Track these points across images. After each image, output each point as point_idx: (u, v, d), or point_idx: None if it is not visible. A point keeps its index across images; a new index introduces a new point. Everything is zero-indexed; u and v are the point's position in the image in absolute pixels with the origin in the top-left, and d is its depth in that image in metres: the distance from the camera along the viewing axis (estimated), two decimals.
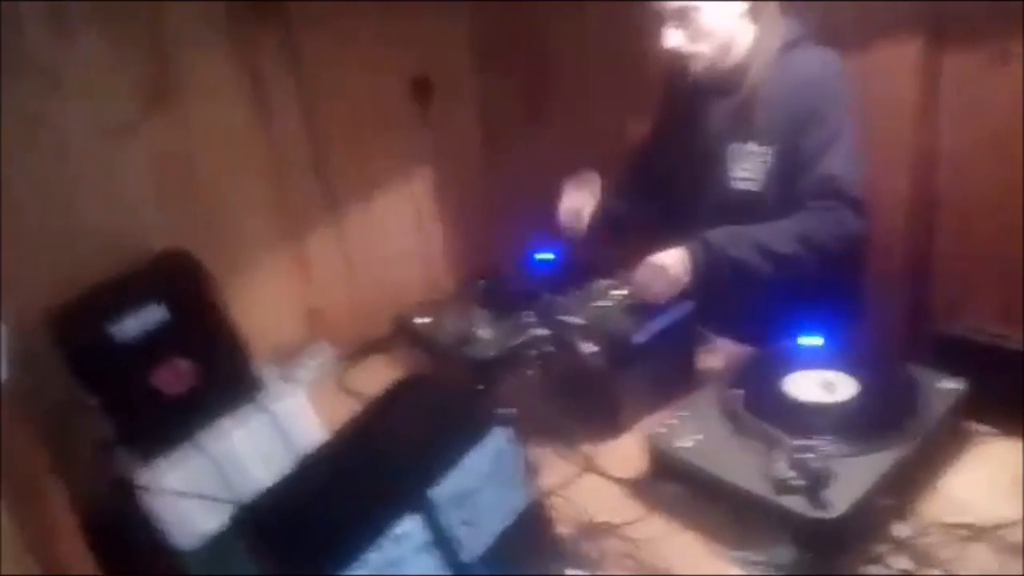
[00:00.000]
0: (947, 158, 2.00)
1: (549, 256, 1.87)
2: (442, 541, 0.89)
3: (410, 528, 0.86)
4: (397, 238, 2.07)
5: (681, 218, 1.79)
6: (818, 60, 1.60)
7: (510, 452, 0.97)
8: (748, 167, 1.65)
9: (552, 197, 1.90)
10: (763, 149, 1.62)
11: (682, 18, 1.58)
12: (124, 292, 1.41)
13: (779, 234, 1.55)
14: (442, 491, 0.89)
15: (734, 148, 1.66)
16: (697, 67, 1.64)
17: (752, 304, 1.60)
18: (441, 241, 2.14)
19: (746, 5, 1.59)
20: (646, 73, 2.24)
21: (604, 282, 1.66)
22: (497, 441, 0.95)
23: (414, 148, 2.05)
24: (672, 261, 1.53)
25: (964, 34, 1.87)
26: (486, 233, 2.20)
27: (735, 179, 1.66)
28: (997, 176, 1.92)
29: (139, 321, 1.37)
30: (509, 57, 2.14)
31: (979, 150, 1.94)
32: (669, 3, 1.57)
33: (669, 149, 1.83)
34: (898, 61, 1.94)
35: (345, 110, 1.89)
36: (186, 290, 1.44)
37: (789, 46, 1.61)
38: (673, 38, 1.60)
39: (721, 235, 1.56)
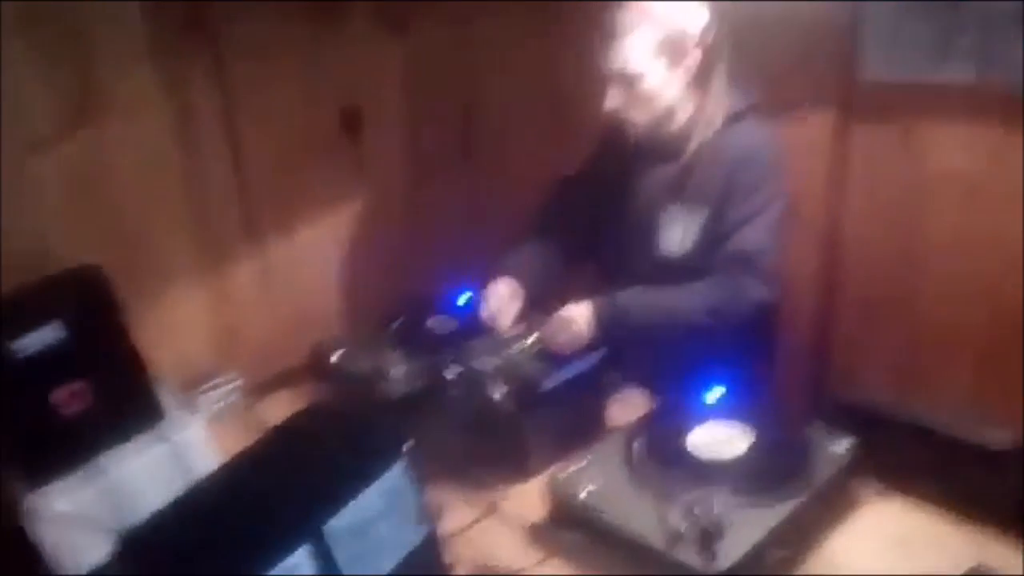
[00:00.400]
0: (853, 231, 2.10)
1: (466, 297, 1.89)
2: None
3: (300, 561, 0.86)
4: (319, 269, 2.06)
5: (606, 272, 1.83)
6: (758, 136, 1.64)
7: (407, 488, 0.98)
8: (677, 232, 1.67)
9: (476, 238, 1.93)
10: (692, 217, 1.65)
11: (625, 81, 1.59)
12: (27, 307, 1.37)
13: (685, 301, 1.59)
14: (335, 524, 0.89)
15: (665, 212, 1.68)
16: (637, 130, 1.66)
17: (660, 356, 1.64)
18: (363, 274, 2.13)
19: (692, 74, 1.60)
20: (573, 117, 2.31)
21: (517, 327, 1.69)
22: (394, 477, 0.96)
23: (341, 179, 2.04)
24: (578, 316, 1.57)
25: (873, 113, 1.98)
26: (409, 268, 2.21)
27: (663, 241, 1.68)
28: (898, 251, 2.03)
29: (40, 337, 1.33)
30: (440, 92, 2.17)
31: (883, 226, 2.04)
32: (615, 66, 1.58)
33: (598, 204, 1.82)
34: (811, 138, 2.04)
35: (273, 137, 1.88)
36: (90, 308, 1.40)
37: (732, 119, 1.63)
38: (615, 99, 1.61)
39: (629, 296, 1.59)
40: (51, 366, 1.35)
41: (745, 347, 1.73)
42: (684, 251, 1.67)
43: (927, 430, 1.94)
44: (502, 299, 1.70)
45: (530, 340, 1.62)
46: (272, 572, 0.83)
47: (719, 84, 1.63)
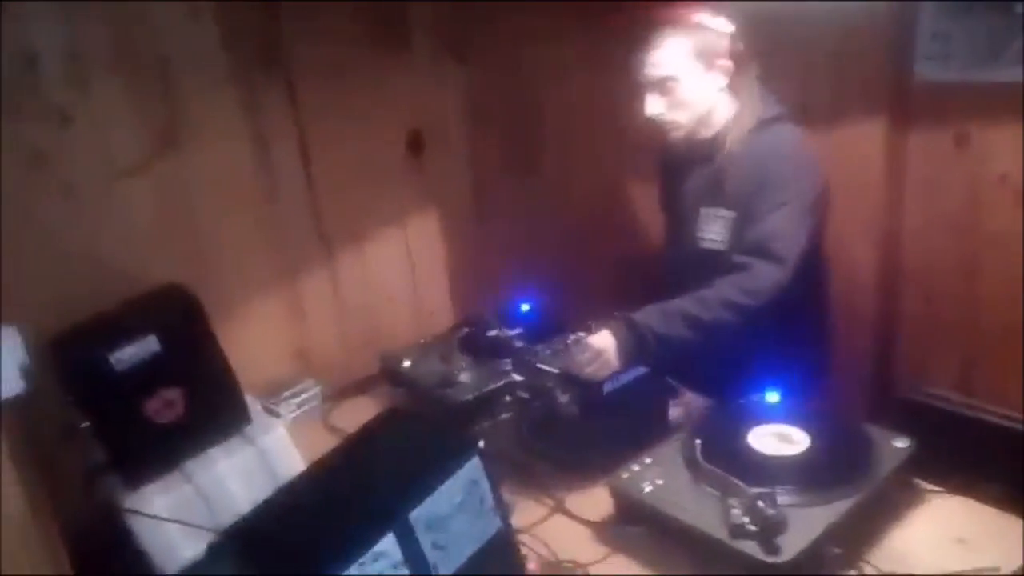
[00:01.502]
0: (911, 233, 2.11)
1: (528, 306, 1.96)
2: (416, 561, 0.96)
3: (387, 547, 0.93)
4: (387, 282, 2.15)
5: (664, 268, 1.90)
6: (785, 138, 1.70)
7: (481, 484, 1.05)
8: (716, 229, 1.73)
9: (537, 249, 1.99)
10: (729, 214, 1.71)
11: (662, 88, 1.68)
12: (123, 323, 1.48)
13: (702, 302, 1.59)
14: (418, 515, 0.96)
15: (705, 211, 1.75)
16: (675, 135, 1.74)
17: (718, 360, 1.67)
18: (429, 286, 2.23)
19: (725, 80, 1.69)
20: (626, 133, 2.37)
21: (579, 335, 1.74)
22: (471, 473, 1.03)
23: (407, 197, 2.14)
24: (601, 344, 1.57)
25: (927, 116, 1.99)
26: (473, 280, 2.30)
27: (704, 239, 1.75)
28: (957, 252, 2.03)
29: (136, 351, 1.43)
30: (500, 114, 2.25)
31: (941, 226, 2.05)
32: (651, 73, 1.67)
33: (663, 204, 1.95)
34: (865, 140, 2.06)
35: (342, 158, 1.98)
36: (181, 323, 1.51)
37: (765, 123, 1.69)
38: (653, 106, 1.70)
39: (646, 314, 1.61)
40: (146, 377, 1.45)
41: (803, 345, 1.76)
42: (724, 246, 1.72)
43: (989, 428, 1.96)
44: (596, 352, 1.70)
45: (556, 371, 1.62)
46: (364, 557, 0.91)
47: (749, 91, 1.71)
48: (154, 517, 1.43)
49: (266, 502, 1.04)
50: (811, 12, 1.94)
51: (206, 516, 1.47)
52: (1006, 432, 1.94)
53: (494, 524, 1.07)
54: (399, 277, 2.17)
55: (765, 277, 1.60)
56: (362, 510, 0.95)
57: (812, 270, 1.80)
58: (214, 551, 1.07)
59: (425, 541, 0.97)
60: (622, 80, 2.16)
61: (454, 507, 1.00)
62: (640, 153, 2.38)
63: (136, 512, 1.43)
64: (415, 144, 2.11)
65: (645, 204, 2.48)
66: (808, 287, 1.80)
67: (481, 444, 1.06)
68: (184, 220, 1.78)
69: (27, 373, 1.08)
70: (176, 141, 1.73)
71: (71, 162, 1.61)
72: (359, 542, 0.92)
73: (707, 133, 1.74)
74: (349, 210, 2.02)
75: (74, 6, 1.57)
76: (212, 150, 1.78)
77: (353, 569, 0.90)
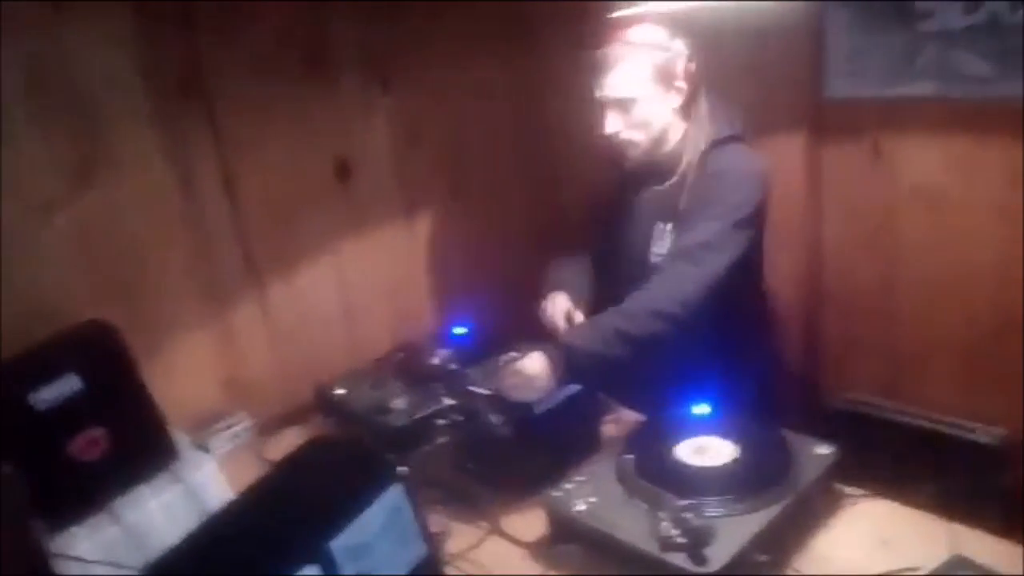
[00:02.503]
0: (831, 244, 2.18)
1: (463, 330, 1.97)
2: None
3: None
4: (320, 309, 2.13)
5: (613, 288, 1.89)
6: (735, 156, 1.74)
7: (405, 510, 1.05)
8: (663, 245, 1.77)
9: (468, 273, 2.00)
10: (675, 228, 1.75)
11: (621, 107, 1.71)
12: (43, 361, 1.43)
13: (630, 317, 1.59)
14: (340, 544, 0.96)
15: (657, 228, 1.79)
16: (632, 153, 1.77)
17: (648, 375, 1.70)
18: (363, 313, 2.21)
19: (679, 102, 1.73)
20: (558, 153, 2.41)
21: (512, 355, 1.75)
22: (392, 499, 1.03)
23: (337, 224, 2.13)
24: (533, 367, 1.56)
25: (842, 130, 2.06)
26: (407, 305, 2.30)
27: (654, 254, 1.78)
28: (875, 262, 2.11)
29: (56, 390, 1.40)
30: (428, 138, 2.27)
31: (859, 238, 2.12)
32: (610, 93, 1.71)
33: (609, 222, 1.96)
34: (785, 154, 2.13)
35: (269, 187, 1.97)
36: (103, 360, 1.47)
37: (717, 143, 1.74)
38: (612, 124, 1.73)
39: (578, 334, 1.63)
40: (68, 416, 1.42)
41: (728, 358, 1.80)
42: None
43: (910, 430, 2.02)
44: (559, 309, 1.81)
45: (488, 393, 1.62)
46: None
47: (702, 112, 1.76)
48: (80, 560, 1.40)
49: (187, 536, 1.03)
50: (728, 23, 1.99)
51: (136, 556, 1.44)
52: (927, 433, 2.01)
53: (420, 550, 1.07)
54: (332, 304, 2.16)
55: (683, 279, 1.61)
56: (283, 541, 0.94)
57: (750, 290, 1.85)
58: None
59: (348, 570, 0.96)
60: (550, 100, 2.22)
61: (376, 535, 1.00)
62: (572, 171, 2.45)
63: (62, 556, 1.40)
64: (342, 171, 2.10)
65: (576, 222, 2.52)
66: (747, 307, 1.86)
67: (403, 470, 1.06)
68: (106, 255, 1.74)
69: None
70: (95, 174, 1.70)
71: None
72: (281, 574, 0.91)
73: (661, 153, 1.77)
74: (278, 238, 2.01)
75: None
76: (133, 182, 1.75)
77: None
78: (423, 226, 2.32)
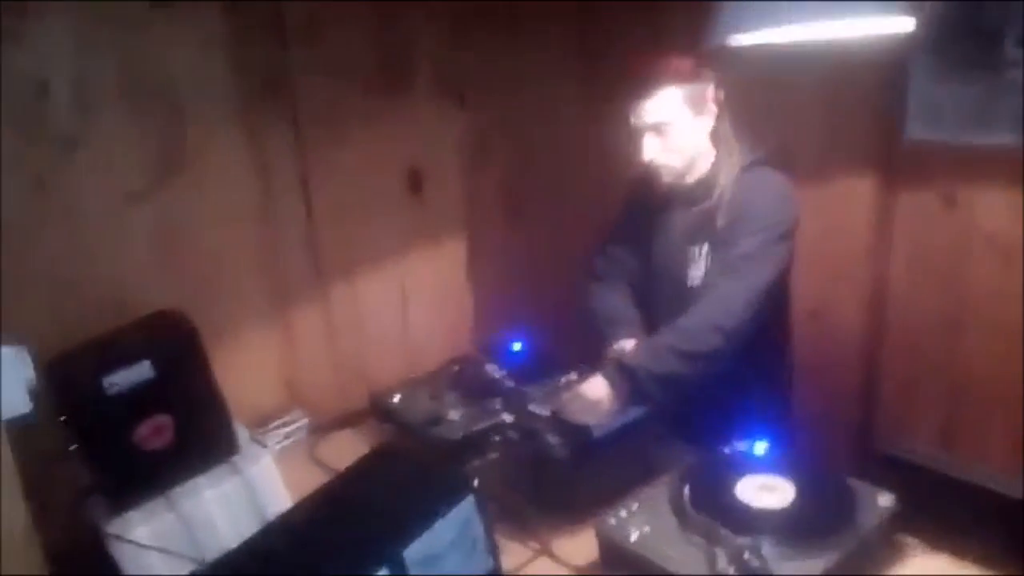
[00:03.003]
0: (897, 289, 2.15)
1: (519, 346, 1.98)
2: None
3: None
4: (380, 317, 2.16)
5: (646, 309, 1.93)
6: (768, 179, 1.76)
7: (475, 524, 1.05)
8: (699, 267, 1.79)
9: (529, 289, 2.00)
10: (711, 250, 1.77)
11: (659, 131, 1.74)
12: (118, 347, 1.48)
13: (685, 333, 1.65)
14: (412, 551, 0.96)
15: (692, 250, 1.80)
16: (667, 178, 1.80)
17: (705, 408, 1.69)
18: (422, 323, 2.24)
19: (710, 127, 1.77)
20: (617, 176, 2.41)
21: (571, 376, 1.76)
22: (464, 512, 1.04)
23: (403, 233, 2.16)
24: (594, 391, 1.62)
25: (915, 175, 2.04)
26: (465, 318, 2.32)
27: (691, 277, 1.80)
28: (942, 310, 2.07)
29: (129, 375, 1.43)
30: (497, 155, 2.29)
31: (927, 284, 2.09)
32: (647, 118, 1.74)
33: (636, 246, 1.97)
34: (854, 197, 2.11)
35: (342, 192, 2.01)
36: (176, 350, 1.50)
37: (747, 167, 1.77)
38: (649, 150, 1.76)
39: (636, 355, 1.66)
40: (138, 402, 1.45)
41: (789, 398, 1.79)
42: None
43: (969, 485, 1.97)
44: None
45: (548, 413, 1.63)
46: None
47: (730, 138, 1.79)
48: (136, 544, 1.43)
49: (258, 534, 1.04)
50: (806, 66, 1.98)
51: (188, 545, 1.47)
52: (987, 494, 1.96)
53: (486, 565, 1.08)
54: (392, 312, 2.18)
55: (732, 294, 1.66)
56: (356, 545, 0.95)
57: (779, 313, 1.86)
58: None
59: None
60: (613, 125, 2.22)
61: (447, 546, 1.00)
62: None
63: (119, 538, 1.43)
64: (414, 182, 2.14)
65: None
66: (776, 332, 1.87)
67: (476, 483, 1.07)
68: (183, 247, 1.79)
69: (33, 393, 1.09)
70: (179, 169, 1.75)
71: (75, 187, 1.63)
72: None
73: (694, 177, 1.81)
74: (346, 243, 2.04)
75: (86, 34, 1.59)
76: (214, 179, 1.80)
77: None
78: (485, 242, 2.34)
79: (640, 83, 1.75)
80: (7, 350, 1.06)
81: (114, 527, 1.44)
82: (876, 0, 1.40)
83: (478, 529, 1.06)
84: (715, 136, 1.79)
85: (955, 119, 1.95)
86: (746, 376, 1.74)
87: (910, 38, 1.78)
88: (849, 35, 1.48)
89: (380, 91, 2.03)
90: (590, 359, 1.77)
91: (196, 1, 1.72)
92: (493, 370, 1.91)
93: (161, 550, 1.43)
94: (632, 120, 1.76)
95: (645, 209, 1.93)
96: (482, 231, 2.32)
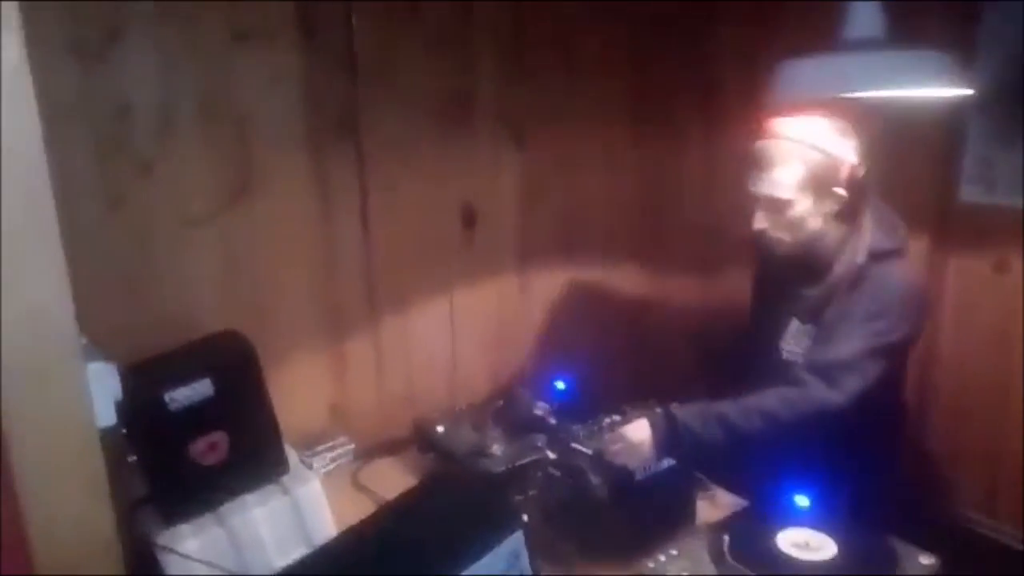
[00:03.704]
0: (946, 352, 2.14)
1: (563, 385, 2.00)
2: None
3: None
4: (428, 348, 2.20)
5: (737, 367, 1.90)
6: (897, 275, 1.67)
7: (523, 558, 1.08)
8: (795, 341, 1.75)
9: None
10: (813, 331, 1.72)
11: (772, 207, 1.67)
12: (181, 364, 1.54)
13: (743, 411, 1.56)
14: None
15: (793, 324, 1.76)
16: (780, 251, 1.72)
17: (749, 461, 1.69)
18: (468, 356, 2.27)
19: (836, 209, 1.66)
20: (664, 230, 2.44)
21: (615, 418, 1.77)
22: (512, 545, 1.06)
23: (456, 268, 2.21)
24: (638, 434, 1.57)
25: (968, 238, 2.04)
26: (511, 354, 2.35)
27: (785, 350, 1.77)
28: (991, 375, 2.06)
29: (190, 392, 1.48)
30: (551, 196, 2.34)
31: (976, 349, 2.08)
32: (761, 189, 1.66)
33: (754, 308, 1.94)
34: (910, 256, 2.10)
35: (399, 226, 2.06)
36: (236, 369, 1.55)
37: (876, 256, 1.65)
38: (760, 221, 1.69)
39: (686, 412, 1.59)
40: (196, 418, 1.50)
41: (834, 454, 1.78)
42: (798, 360, 1.72)
43: (1011, 551, 1.95)
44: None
45: (591, 452, 1.62)
46: None
47: (865, 220, 1.68)
48: (184, 556, 1.47)
49: (307, 558, 1.08)
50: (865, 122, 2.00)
51: (234, 561, 1.50)
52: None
53: None
54: (439, 345, 2.23)
55: (815, 399, 1.58)
56: (405, 572, 0.98)
57: (879, 401, 1.74)
58: None
59: None
60: (672, 180, 2.26)
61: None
62: (684, 252, 2.48)
63: (168, 549, 1.47)
64: (468, 219, 2.19)
65: (689, 299, 2.54)
66: (872, 413, 1.74)
67: (525, 518, 1.09)
68: (245, 270, 1.85)
69: (118, 407, 1.14)
70: (246, 196, 1.81)
71: (148, 208, 1.70)
72: None
73: (813, 256, 1.71)
74: (399, 275, 2.09)
75: (169, 61, 1.67)
76: (279, 207, 1.86)
77: None
78: (535, 282, 2.38)
79: (760, 148, 1.65)
80: (99, 365, 1.11)
81: (164, 538, 1.48)
82: (934, 60, 1.41)
83: (525, 563, 1.08)
84: (846, 216, 1.67)
85: (1011, 181, 1.96)
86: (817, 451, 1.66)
87: (965, 103, 1.80)
88: (905, 95, 1.49)
89: (441, 128, 2.08)
90: (636, 402, 1.79)
91: (274, 38, 1.79)
92: (538, 406, 1.93)
93: (208, 564, 1.47)
94: (749, 185, 1.68)
95: (765, 274, 1.88)
96: (533, 271, 2.36)
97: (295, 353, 1.96)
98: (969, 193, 2.03)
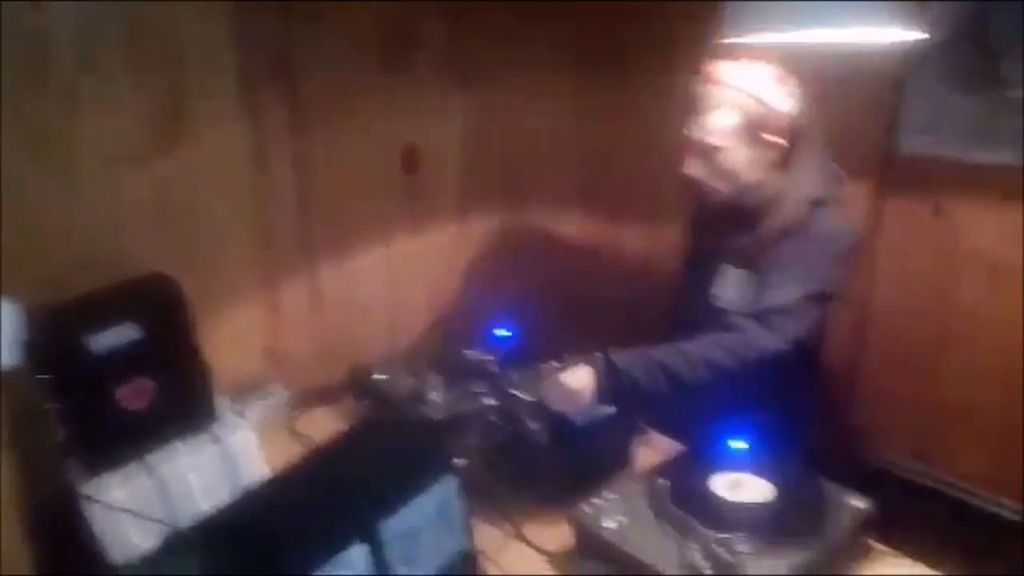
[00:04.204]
0: (882, 298, 2.17)
1: (505, 332, 1.98)
2: (382, 572, 0.96)
3: (355, 556, 0.93)
4: (365, 295, 2.16)
5: (678, 315, 1.89)
6: (835, 224, 1.66)
7: (454, 502, 1.06)
8: (729, 289, 1.73)
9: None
10: (747, 277, 1.70)
11: (704, 153, 1.65)
12: (104, 307, 1.46)
13: (685, 358, 1.56)
14: (390, 526, 0.97)
15: (728, 271, 1.73)
16: (714, 198, 1.71)
17: (687, 405, 1.70)
18: (407, 303, 2.24)
19: (773, 157, 1.64)
20: (614, 176, 2.42)
21: (554, 365, 1.76)
22: (445, 490, 1.04)
23: (395, 213, 2.16)
24: (578, 380, 1.56)
25: (908, 185, 2.05)
26: (452, 301, 2.31)
27: (714, 294, 1.75)
28: (926, 321, 2.09)
29: (114, 336, 1.42)
30: (497, 141, 2.29)
31: (912, 295, 2.11)
32: (695, 135, 1.64)
33: (687, 255, 1.92)
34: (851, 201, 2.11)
35: (337, 169, 2.00)
36: (163, 313, 1.50)
37: (816, 203, 1.64)
38: (693, 168, 1.67)
39: (627, 360, 1.58)
40: (121, 363, 1.44)
41: (771, 401, 1.80)
42: (734, 307, 1.71)
43: (942, 496, 2.01)
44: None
45: (530, 399, 1.62)
46: (329, 563, 0.91)
47: (802, 167, 1.66)
48: (109, 506, 1.42)
49: (233, 503, 1.04)
50: (807, 68, 1.97)
51: (163, 510, 1.46)
52: (954, 503, 1.99)
53: (461, 544, 1.08)
54: (378, 291, 2.18)
55: (755, 344, 1.58)
56: (333, 515, 0.95)
57: (813, 352, 1.81)
58: (172, 544, 1.07)
59: (393, 554, 0.97)
60: (623, 124, 2.23)
61: (426, 522, 1.01)
62: (633, 198, 2.46)
63: (93, 499, 1.42)
64: (410, 163, 2.13)
65: (637, 247, 2.53)
66: (805, 367, 1.81)
67: (458, 463, 1.07)
68: (174, 212, 1.77)
69: (22, 347, 1.08)
70: (177, 136, 1.73)
71: (72, 145, 1.61)
72: (326, 547, 0.92)
73: (750, 202, 1.68)
74: (337, 220, 2.04)
75: None
76: (211, 148, 1.78)
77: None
78: (478, 227, 2.34)
79: (695, 91, 1.63)
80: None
81: (89, 488, 1.43)
82: (887, 2, 1.39)
83: (457, 508, 1.06)
84: (783, 164, 1.65)
85: (952, 134, 1.97)
86: (752, 400, 1.66)
87: (912, 49, 1.79)
88: (854, 41, 1.47)
89: (383, 71, 2.02)
90: (577, 349, 1.77)
91: None
92: (478, 353, 1.91)
93: (134, 514, 1.42)
94: (684, 131, 1.66)
95: (698, 220, 1.86)
96: (476, 217, 2.32)
97: (228, 298, 1.91)
98: (910, 144, 2.03)
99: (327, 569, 0.91)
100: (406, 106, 2.09)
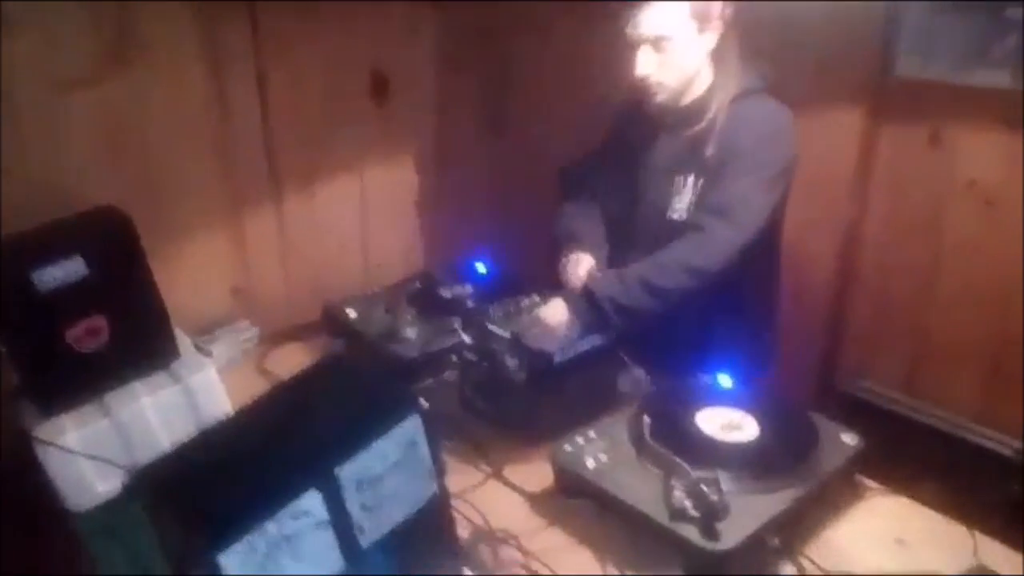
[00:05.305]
0: (873, 228, 2.10)
1: (483, 267, 1.90)
2: (341, 522, 0.90)
3: (310, 504, 0.87)
4: (337, 228, 2.08)
5: (619, 238, 1.84)
6: (767, 108, 1.67)
7: (420, 445, 0.99)
8: (684, 199, 1.70)
9: (497, 209, 1.92)
10: (699, 182, 1.68)
11: (656, 46, 1.62)
12: (50, 242, 1.38)
13: (661, 268, 1.58)
14: (347, 472, 0.89)
15: (677, 180, 1.70)
16: (660, 98, 1.68)
17: (669, 339, 1.64)
18: (381, 236, 2.16)
19: (711, 47, 1.65)
20: (599, 100, 2.31)
21: (533, 298, 1.69)
22: (409, 432, 0.97)
23: (366, 141, 2.06)
24: (555, 315, 1.57)
25: (903, 112, 1.97)
26: (428, 234, 2.24)
27: (674, 209, 1.71)
28: (917, 252, 2.03)
29: (61, 272, 1.35)
30: (473, 65, 2.18)
31: (903, 225, 2.04)
32: (645, 31, 1.61)
33: (619, 171, 1.86)
34: (839, 130, 2.03)
35: (302, 94, 1.90)
36: (113, 248, 1.42)
37: (746, 93, 1.66)
38: (644, 65, 1.63)
39: (604, 283, 1.60)
40: (71, 301, 1.37)
41: (756, 331, 1.74)
42: (686, 216, 1.69)
43: (932, 431, 1.97)
44: (583, 270, 1.74)
45: (507, 335, 1.58)
46: (282, 513, 0.84)
47: (733, 59, 1.67)
48: (65, 449, 1.35)
49: (186, 444, 0.97)
50: (797, 7, 1.89)
51: (122, 453, 1.41)
52: (944, 436, 1.95)
53: (429, 489, 1.01)
54: (350, 224, 2.10)
55: (721, 239, 1.58)
56: (286, 461, 0.88)
57: (769, 252, 1.79)
58: (129, 490, 1.00)
59: (352, 501, 0.90)
60: (601, 40, 2.10)
61: (388, 467, 0.94)
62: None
63: (47, 442, 1.35)
64: (380, 88, 2.03)
65: None
66: (764, 269, 1.80)
67: (424, 404, 1.00)
68: (128, 142, 1.68)
69: None
70: (127, 58, 1.63)
71: (12, 70, 1.50)
72: (278, 496, 0.85)
73: (688, 99, 1.69)
74: (304, 148, 1.94)
75: None
76: (164, 71, 1.69)
77: (269, 525, 0.83)
78: (453, 157, 2.24)
79: None
80: None
81: (43, 431, 1.37)
82: None
83: (424, 452, 0.99)
84: (717, 56, 1.66)
85: (948, 55, 1.88)
86: (721, 316, 1.69)
87: None
88: None
89: None
90: (556, 284, 1.71)
91: None
92: (454, 288, 1.84)
93: (91, 456, 1.37)
94: (628, 30, 1.62)
95: (633, 133, 1.82)
96: (451, 143, 2.22)
97: (191, 234, 1.83)
98: (906, 66, 1.94)
99: (280, 518, 0.84)
100: (373, 25, 1.97)
